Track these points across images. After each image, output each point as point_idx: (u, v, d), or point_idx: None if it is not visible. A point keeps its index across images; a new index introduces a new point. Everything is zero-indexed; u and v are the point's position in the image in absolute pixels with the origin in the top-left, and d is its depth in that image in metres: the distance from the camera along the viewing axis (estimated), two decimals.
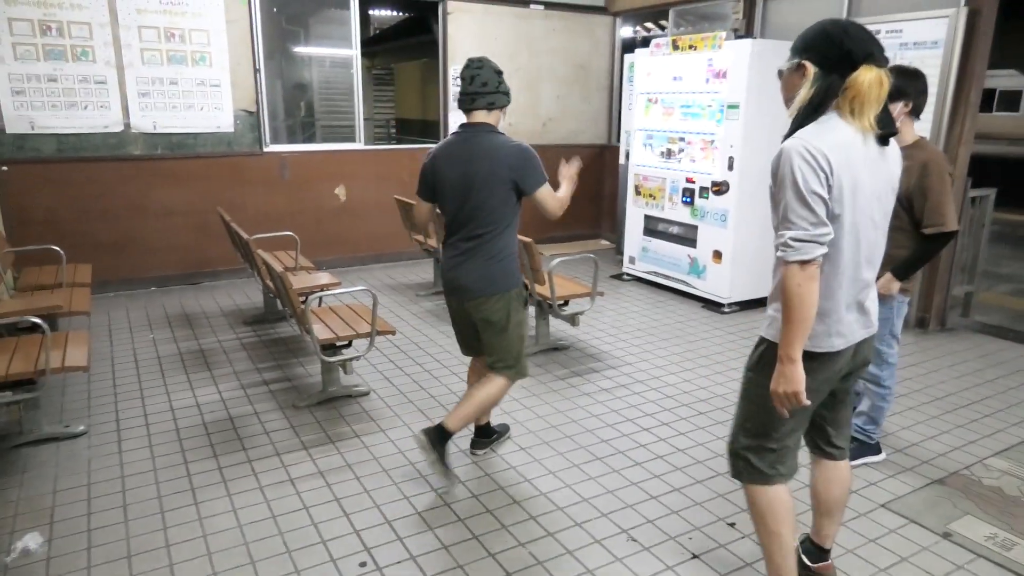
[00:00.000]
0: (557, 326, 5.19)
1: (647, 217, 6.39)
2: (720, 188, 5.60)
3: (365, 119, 12.04)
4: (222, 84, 6.14)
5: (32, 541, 2.67)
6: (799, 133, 1.91)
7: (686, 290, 6.08)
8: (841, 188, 1.86)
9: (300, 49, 7.51)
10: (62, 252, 4.74)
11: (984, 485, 3.15)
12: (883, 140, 1.95)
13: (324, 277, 4.65)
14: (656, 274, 6.39)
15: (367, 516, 2.88)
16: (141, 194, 6.00)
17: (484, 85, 2.98)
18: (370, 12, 11.99)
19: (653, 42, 6.16)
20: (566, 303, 4.63)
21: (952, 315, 5.52)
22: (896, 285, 3.04)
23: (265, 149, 6.47)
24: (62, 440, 3.48)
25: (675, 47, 5.90)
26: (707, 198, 5.72)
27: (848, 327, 2.02)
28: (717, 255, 5.72)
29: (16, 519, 2.84)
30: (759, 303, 5.86)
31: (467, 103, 3.01)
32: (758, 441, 2.11)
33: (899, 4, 5.29)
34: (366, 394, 4.06)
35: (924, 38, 4.98)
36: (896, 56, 5.15)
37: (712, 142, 5.64)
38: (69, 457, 3.34)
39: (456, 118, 7.27)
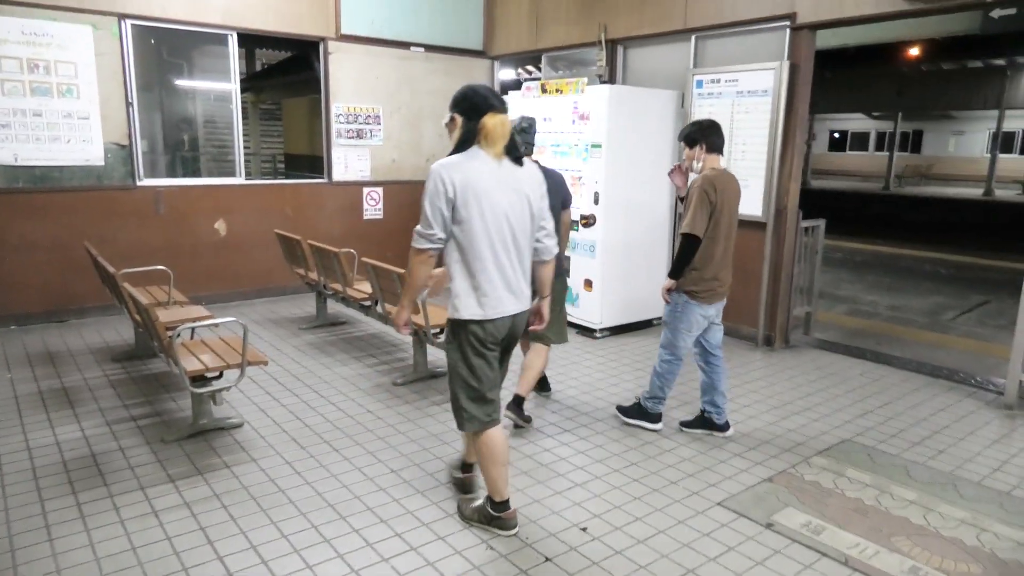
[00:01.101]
0: (435, 353, 5.37)
1: None
2: (588, 221, 6.00)
3: (252, 153, 11.94)
4: (91, 116, 6.01)
5: None
6: (441, 160, 2.73)
7: None
8: (467, 199, 2.64)
9: (179, 82, 7.43)
10: None
11: (805, 480, 3.57)
12: (517, 161, 2.78)
13: (196, 310, 4.63)
14: None
15: (232, 542, 2.92)
16: (2, 228, 5.73)
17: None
18: (256, 49, 11.96)
19: (524, 85, 6.56)
20: (441, 331, 4.82)
21: (796, 334, 6.13)
22: (668, 282, 3.83)
23: (139, 183, 6.35)
24: None
25: (543, 91, 6.32)
26: (577, 230, 6.11)
27: (497, 302, 2.75)
28: (588, 283, 6.10)
29: None
30: (629, 328, 6.28)
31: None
32: (476, 394, 2.85)
33: (737, 56, 5.93)
34: (239, 426, 4.07)
35: (756, 87, 5.61)
36: (734, 102, 5.78)
37: (580, 178, 6.05)
38: None
39: (339, 154, 7.42)
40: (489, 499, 3.01)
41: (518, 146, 2.80)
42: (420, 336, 4.79)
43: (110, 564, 2.75)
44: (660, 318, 6.54)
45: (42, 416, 4.15)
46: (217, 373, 3.82)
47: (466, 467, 3.35)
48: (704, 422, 4.13)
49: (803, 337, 6.14)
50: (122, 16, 6.04)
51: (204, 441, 3.87)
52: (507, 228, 2.73)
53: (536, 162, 3.50)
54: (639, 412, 4.21)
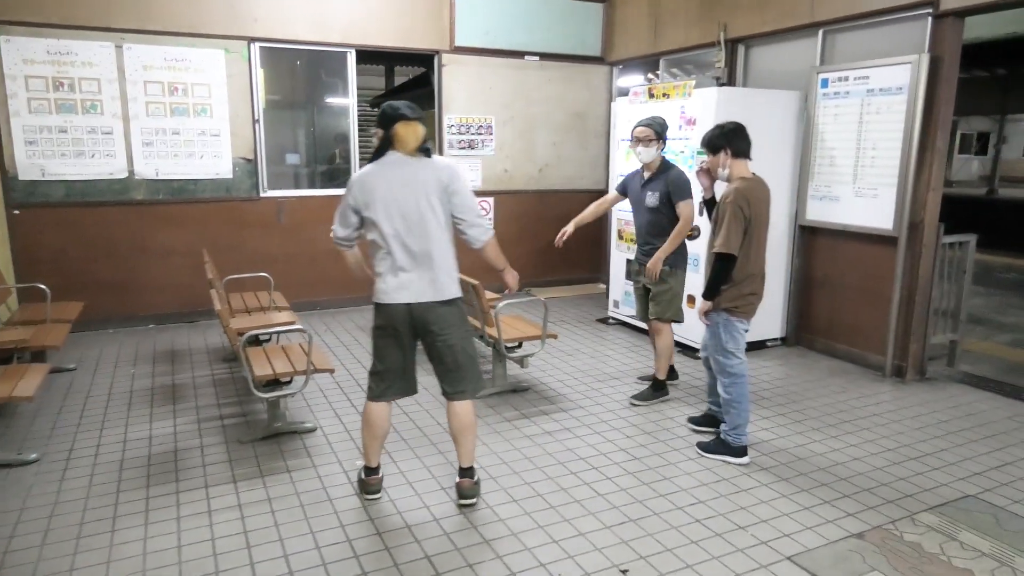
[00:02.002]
0: (517, 368, 5.25)
1: (628, 261, 6.40)
2: (692, 233, 5.58)
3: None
4: (222, 134, 6.52)
5: None
6: (360, 168, 3.22)
7: None
8: (369, 202, 3.03)
9: (301, 99, 7.87)
10: (47, 289, 5.04)
11: (904, 540, 3.03)
12: (426, 153, 3.07)
13: (284, 316, 4.82)
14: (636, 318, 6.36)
15: (268, 549, 2.96)
16: (143, 236, 6.36)
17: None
18: (396, 66, 12.52)
19: (632, 90, 6.28)
20: (519, 345, 4.69)
21: (937, 365, 5.34)
22: (704, 304, 3.68)
23: (262, 194, 6.80)
24: (13, 467, 3.69)
25: (651, 95, 6.00)
26: None
27: (393, 290, 3.07)
28: (691, 300, 5.68)
29: None
30: None
31: None
32: (375, 368, 3.25)
33: (870, 52, 5.28)
34: (312, 430, 4.17)
35: (889, 84, 4.95)
36: (863, 102, 5.14)
37: None
38: (14, 483, 3.53)
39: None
40: (364, 465, 3.38)
41: (429, 149, 3.11)
42: (496, 349, 4.68)
43: (154, 560, 2.88)
44: (777, 339, 6.02)
45: (146, 411, 4.50)
46: (288, 379, 3.93)
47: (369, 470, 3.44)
48: (711, 420, 4.12)
49: (945, 369, 5.32)
50: (251, 39, 6.51)
51: (276, 444, 4.00)
52: (404, 223, 3.03)
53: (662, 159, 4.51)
54: (721, 446, 3.84)
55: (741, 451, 3.79)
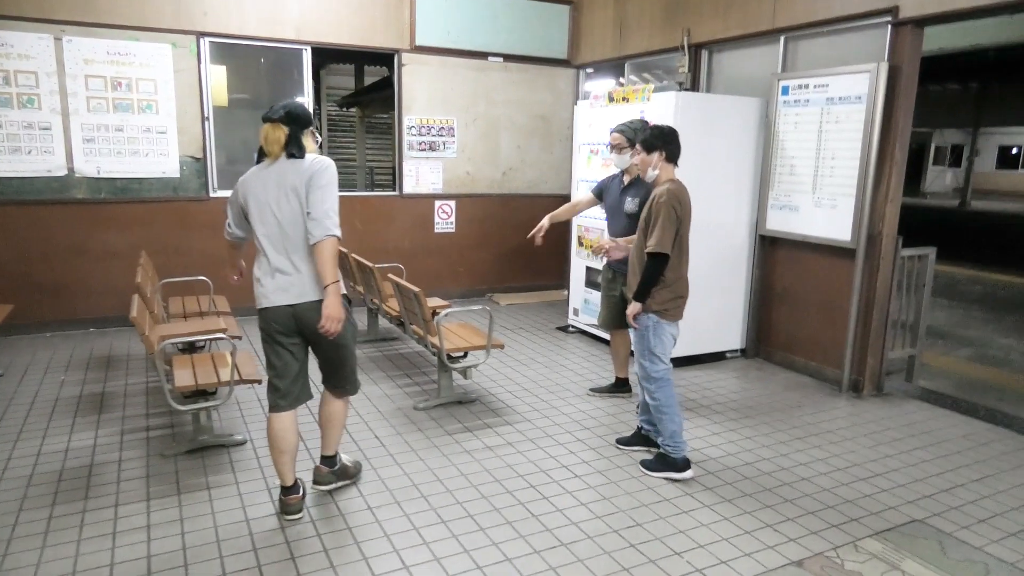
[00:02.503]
0: (475, 378, 5.07)
1: (588, 269, 6.27)
2: None
3: (357, 166, 12.25)
4: (168, 131, 6.28)
5: None
6: None
7: None
8: (247, 203, 3.04)
9: (259, 97, 7.63)
10: None
11: (844, 569, 2.89)
12: (291, 157, 3.01)
13: (218, 322, 4.59)
14: (597, 327, 6.22)
15: None
16: (83, 237, 6.11)
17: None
18: (365, 66, 12.29)
19: (592, 94, 6.14)
20: (465, 355, 4.51)
21: (895, 379, 5.25)
22: (636, 306, 3.61)
23: (212, 194, 6.57)
24: None
25: (611, 99, 5.86)
26: None
27: (270, 293, 3.04)
28: None
29: None
30: (696, 360, 5.66)
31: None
32: (269, 377, 3.17)
33: (830, 59, 5.19)
34: (242, 443, 3.96)
35: (848, 93, 4.85)
36: (823, 110, 5.04)
37: None
38: None
39: (411, 166, 7.34)
40: (280, 485, 3.24)
41: (296, 147, 3.02)
42: (441, 359, 4.50)
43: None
44: (736, 351, 5.91)
45: (69, 421, 4.27)
46: (213, 390, 3.73)
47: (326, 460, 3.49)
48: (642, 439, 3.99)
49: (902, 384, 5.23)
50: (200, 34, 6.28)
51: (201, 458, 3.79)
52: (276, 224, 3.00)
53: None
54: (663, 463, 3.71)
55: (683, 464, 3.67)
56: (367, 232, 7.28)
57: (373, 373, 5.27)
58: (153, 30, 6.10)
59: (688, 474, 3.66)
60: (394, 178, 7.59)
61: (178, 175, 6.38)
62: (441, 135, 7.46)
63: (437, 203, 7.58)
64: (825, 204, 5.10)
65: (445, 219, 7.66)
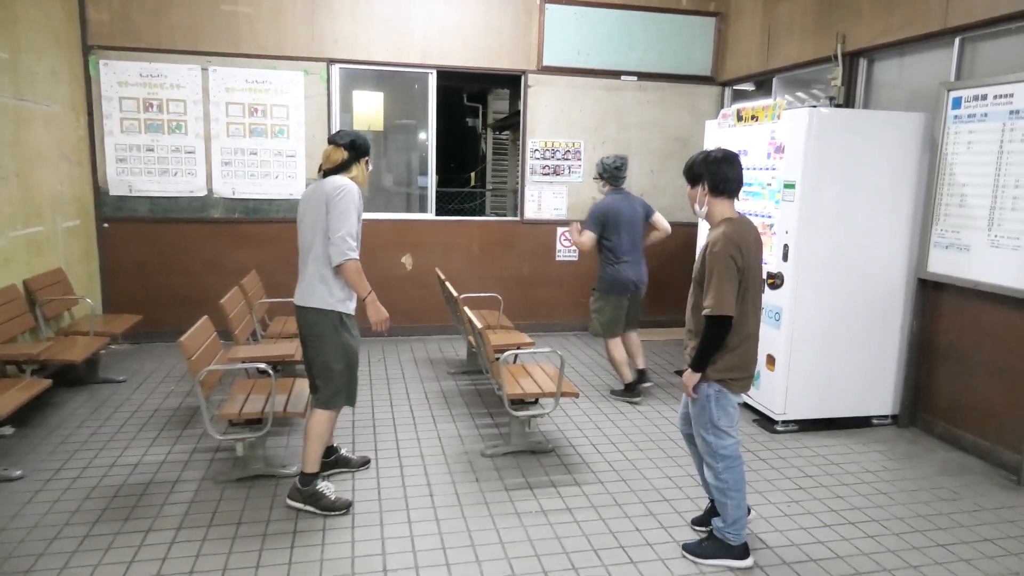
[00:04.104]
0: (554, 425, 4.62)
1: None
2: (775, 281, 4.68)
3: (489, 189, 12.24)
4: (297, 154, 6.52)
5: None
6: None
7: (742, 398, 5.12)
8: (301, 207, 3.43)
9: (381, 119, 7.75)
10: (90, 301, 5.18)
11: None
12: (325, 175, 3.35)
13: (289, 347, 4.56)
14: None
15: None
16: (217, 253, 6.49)
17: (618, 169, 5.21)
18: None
19: (721, 112, 5.46)
20: (536, 401, 4.08)
21: None
22: (692, 376, 3.00)
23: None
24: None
25: (739, 118, 5.16)
26: (762, 291, 4.81)
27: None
28: (770, 360, 4.75)
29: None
30: (829, 425, 4.75)
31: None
32: (352, 382, 3.47)
33: (1011, 64, 4.14)
34: (291, 476, 3.85)
35: None
36: (1005, 127, 4.01)
37: (771, 226, 4.77)
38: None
39: (533, 191, 7.04)
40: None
41: (343, 171, 3.34)
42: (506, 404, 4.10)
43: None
44: (886, 417, 4.88)
45: (154, 433, 4.42)
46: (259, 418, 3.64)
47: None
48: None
49: None
50: (331, 61, 6.48)
51: (246, 488, 3.71)
52: (302, 235, 3.40)
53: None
54: (719, 548, 3.10)
55: (742, 551, 3.07)
56: (484, 258, 7.08)
57: (457, 409, 4.99)
58: (288, 58, 6.38)
59: (748, 562, 3.07)
60: (517, 203, 7.33)
61: None
62: (567, 158, 7.10)
63: (560, 230, 7.21)
64: (1005, 244, 4.04)
65: (568, 246, 7.26)
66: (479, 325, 3.94)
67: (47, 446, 4.18)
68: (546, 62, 6.84)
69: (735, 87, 7.25)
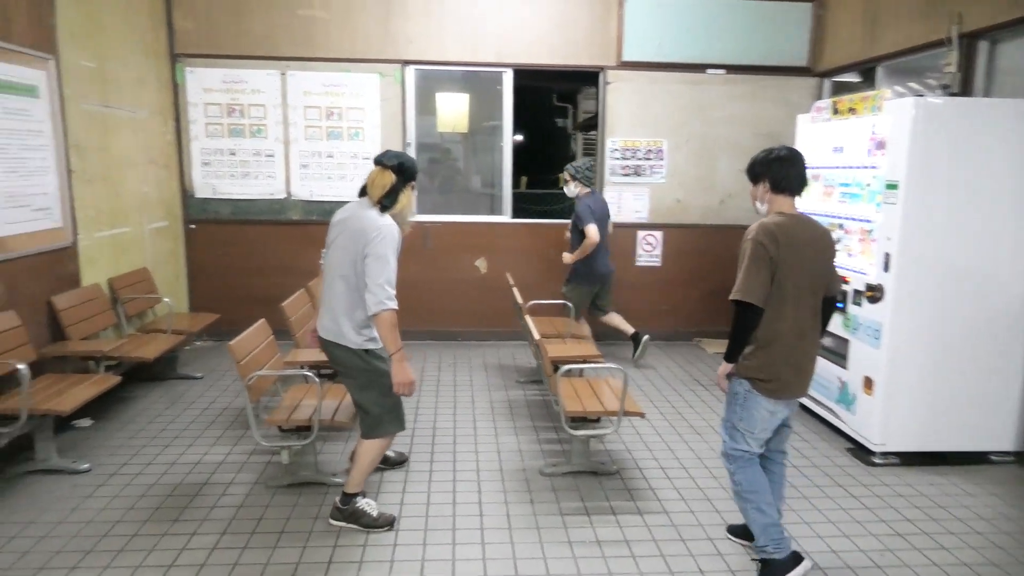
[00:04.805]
0: (622, 444, 4.32)
1: None
2: (874, 294, 4.19)
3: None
4: (372, 157, 6.48)
5: None
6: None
7: (834, 422, 4.63)
8: (334, 224, 3.27)
9: (465, 123, 7.63)
10: (169, 301, 5.32)
11: None
12: (382, 207, 3.16)
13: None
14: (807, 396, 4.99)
15: None
16: (293, 255, 6.56)
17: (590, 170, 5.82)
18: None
19: (814, 105, 4.98)
20: (598, 420, 3.80)
21: None
22: (724, 367, 2.95)
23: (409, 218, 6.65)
24: (65, 473, 3.78)
25: (835, 111, 4.67)
26: (860, 305, 4.33)
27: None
28: (868, 383, 4.25)
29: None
30: (937, 459, 4.19)
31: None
32: (394, 408, 3.26)
33: None
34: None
35: None
36: None
37: (870, 232, 4.28)
38: (48, 491, 3.59)
39: (612, 193, 6.73)
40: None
41: (391, 199, 3.16)
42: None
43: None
44: (1007, 454, 4.27)
45: (218, 433, 4.46)
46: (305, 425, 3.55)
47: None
48: (749, 533, 3.06)
49: None
50: (405, 62, 6.42)
51: (296, 495, 3.64)
52: (328, 262, 3.23)
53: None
54: (769, 572, 2.91)
55: (792, 560, 2.88)
56: (560, 262, 6.82)
57: (521, 421, 4.77)
58: (363, 61, 6.37)
59: (806, 565, 2.89)
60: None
61: None
62: (648, 158, 6.74)
63: (640, 233, 6.86)
64: None
65: (649, 251, 6.89)
66: (536, 335, 3.70)
67: (117, 440, 4.28)
68: (625, 57, 6.51)
69: (834, 78, 6.65)
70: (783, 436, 3.07)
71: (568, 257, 5.75)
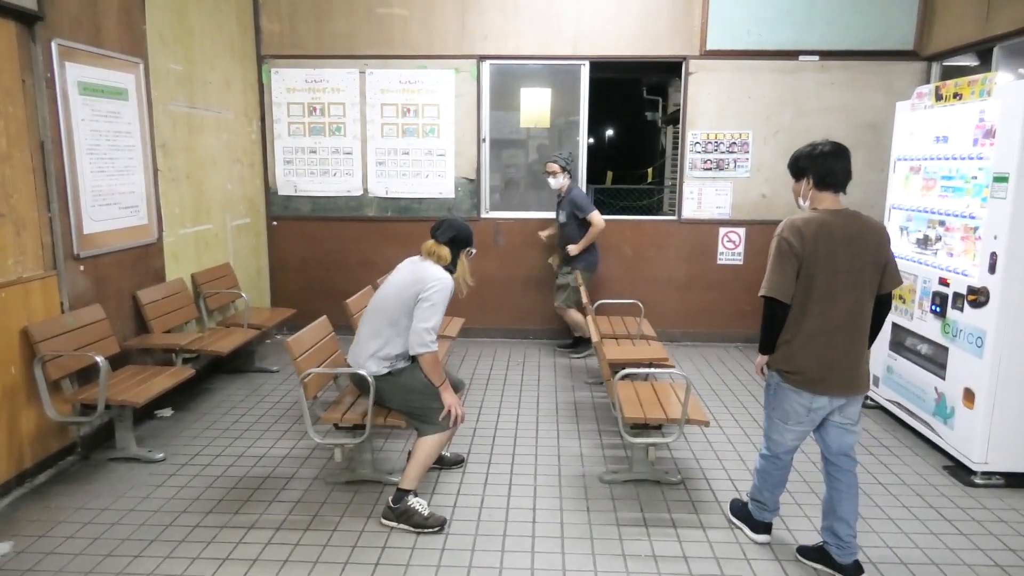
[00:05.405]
0: (690, 452, 4.10)
1: (895, 326, 4.66)
2: (977, 298, 3.77)
3: (667, 185, 11.52)
4: (447, 153, 6.51)
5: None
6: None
7: (930, 436, 4.22)
8: (391, 274, 3.56)
9: (547, 118, 7.49)
10: (245, 296, 5.50)
11: None
12: (450, 270, 3.44)
13: None
14: (899, 406, 4.58)
15: None
16: (370, 251, 6.67)
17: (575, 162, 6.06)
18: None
19: (916, 91, 4.54)
20: (659, 427, 3.61)
21: None
22: (760, 358, 3.00)
23: (483, 215, 6.62)
24: (141, 462, 3.96)
25: (938, 97, 4.24)
26: (961, 309, 3.91)
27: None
28: (968, 395, 3.84)
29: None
30: None
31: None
32: (437, 400, 3.35)
33: None
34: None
35: None
36: None
37: (975, 229, 3.86)
38: (124, 478, 3.77)
39: (692, 188, 6.43)
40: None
41: (452, 266, 3.42)
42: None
43: None
44: None
45: (288, 425, 4.56)
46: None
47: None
48: (822, 555, 2.97)
49: None
50: (481, 58, 6.37)
51: (352, 492, 3.65)
52: (382, 296, 3.40)
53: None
54: (744, 513, 3.28)
55: (759, 527, 3.21)
56: (637, 260, 6.61)
57: (585, 424, 4.62)
58: (439, 57, 6.37)
59: (761, 538, 3.20)
60: (676, 200, 6.76)
61: (453, 195, 6.57)
62: (732, 151, 6.40)
63: (722, 230, 6.53)
64: None
65: (731, 249, 6.55)
66: (596, 336, 3.55)
67: (192, 431, 4.46)
68: (710, 46, 6.20)
69: (944, 62, 6.08)
70: (845, 439, 2.91)
71: (573, 248, 5.80)
